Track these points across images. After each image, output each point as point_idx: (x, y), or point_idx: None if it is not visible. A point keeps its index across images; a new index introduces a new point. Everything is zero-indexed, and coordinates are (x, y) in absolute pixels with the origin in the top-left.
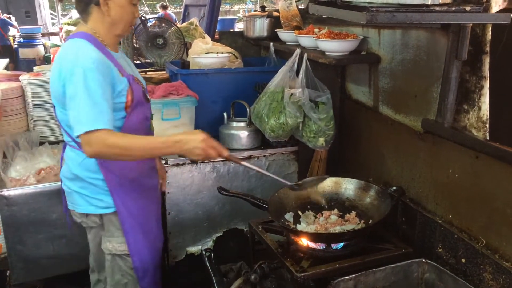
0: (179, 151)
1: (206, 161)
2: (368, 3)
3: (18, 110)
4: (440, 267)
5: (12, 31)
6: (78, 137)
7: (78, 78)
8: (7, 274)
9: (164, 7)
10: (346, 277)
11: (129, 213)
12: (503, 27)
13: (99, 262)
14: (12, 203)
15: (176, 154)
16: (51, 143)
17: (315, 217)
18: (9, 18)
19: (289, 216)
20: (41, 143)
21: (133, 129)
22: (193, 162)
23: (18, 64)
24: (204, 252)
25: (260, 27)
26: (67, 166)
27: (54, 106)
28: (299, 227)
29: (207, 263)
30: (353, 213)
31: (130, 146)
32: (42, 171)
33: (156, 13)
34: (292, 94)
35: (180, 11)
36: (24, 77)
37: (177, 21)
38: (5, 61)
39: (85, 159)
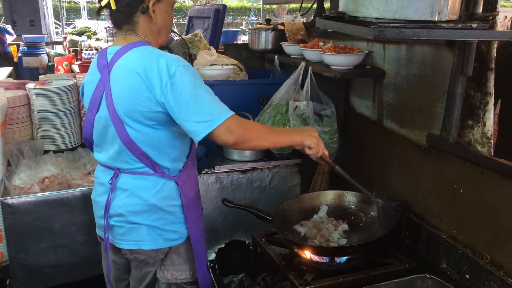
0: (302, 136)
1: (313, 156)
2: (376, 18)
3: (23, 119)
4: (444, 282)
5: (9, 38)
6: (210, 133)
7: (182, 77)
8: (7, 282)
9: None
10: None
11: (199, 239)
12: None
13: None
14: (15, 211)
15: (296, 142)
16: (55, 151)
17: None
18: (8, 26)
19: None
20: (46, 152)
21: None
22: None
23: (21, 73)
24: (208, 264)
25: (265, 40)
26: (135, 197)
27: (122, 124)
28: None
29: (211, 275)
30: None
31: (264, 129)
32: (46, 180)
33: None
34: (296, 107)
35: (184, 22)
36: (30, 85)
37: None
38: (9, 69)
39: (164, 184)
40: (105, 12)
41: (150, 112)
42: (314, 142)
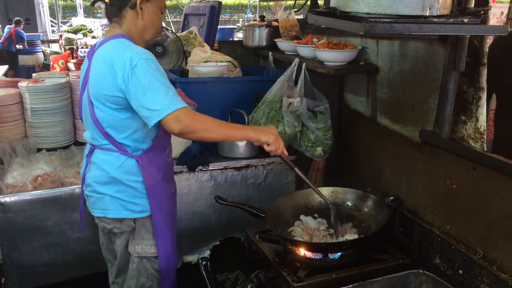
0: (258, 133)
1: (272, 153)
2: (367, 13)
3: (16, 117)
4: (438, 278)
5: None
6: (160, 121)
7: (143, 68)
8: (1, 281)
9: None
10: None
11: (161, 215)
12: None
13: (122, 266)
14: (8, 209)
15: (250, 138)
16: (48, 150)
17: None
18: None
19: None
20: (39, 150)
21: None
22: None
23: (18, 71)
24: (200, 261)
25: (259, 37)
26: (101, 170)
27: (92, 105)
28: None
29: (203, 272)
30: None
31: (216, 122)
32: (39, 178)
33: None
34: (290, 104)
35: (180, 20)
36: (23, 83)
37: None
38: (4, 67)
39: (125, 161)
40: (102, 5)
41: (113, 96)
42: (272, 139)
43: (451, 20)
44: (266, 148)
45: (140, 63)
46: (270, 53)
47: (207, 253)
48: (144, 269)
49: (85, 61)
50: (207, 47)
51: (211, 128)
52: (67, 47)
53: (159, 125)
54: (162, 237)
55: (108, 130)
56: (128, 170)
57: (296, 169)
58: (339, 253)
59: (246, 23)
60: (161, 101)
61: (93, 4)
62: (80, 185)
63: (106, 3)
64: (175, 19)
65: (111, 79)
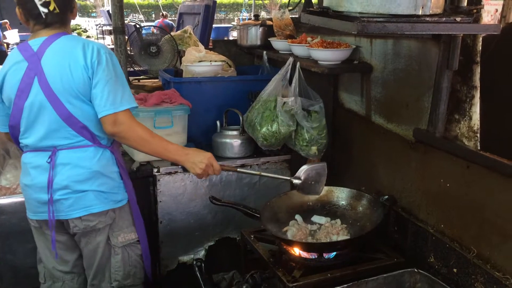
0: (184, 161)
1: (203, 178)
2: (360, 13)
3: None
4: (432, 277)
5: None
6: (105, 116)
7: (108, 62)
8: None
9: (163, 16)
10: (338, 287)
11: (134, 200)
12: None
13: (102, 264)
14: (1, 212)
15: (179, 163)
16: None
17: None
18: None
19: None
20: None
21: None
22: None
23: None
24: (194, 263)
25: (254, 36)
26: (79, 168)
27: (59, 103)
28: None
29: (197, 273)
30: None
31: (151, 139)
32: None
33: (152, 20)
34: (285, 103)
35: (175, 19)
36: None
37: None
38: None
39: (102, 153)
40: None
41: (85, 89)
42: (196, 172)
43: (444, 19)
44: (196, 172)
45: (106, 56)
46: (265, 52)
47: (202, 253)
48: (128, 258)
49: (13, 63)
50: (201, 47)
51: (143, 142)
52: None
53: None
54: (137, 221)
55: (86, 123)
56: (106, 162)
57: (238, 169)
58: (334, 253)
59: (241, 22)
60: (115, 96)
61: (46, 18)
62: None
63: (50, 11)
64: (171, 18)
65: (80, 70)
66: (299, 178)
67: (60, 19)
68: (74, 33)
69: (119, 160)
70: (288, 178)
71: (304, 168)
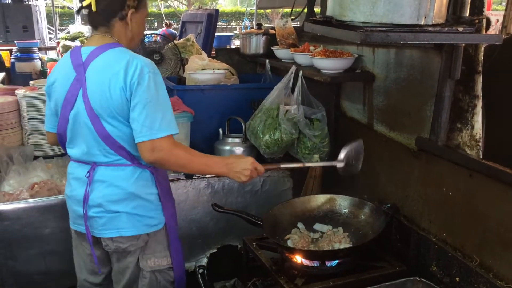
0: (228, 172)
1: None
2: (363, 22)
3: (13, 124)
4: (435, 286)
5: None
6: (141, 142)
7: (150, 82)
8: None
9: (167, 25)
10: None
11: (174, 226)
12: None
13: (129, 284)
14: (4, 218)
15: (223, 175)
16: (45, 157)
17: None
18: None
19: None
20: (35, 158)
21: None
22: (188, 177)
23: (14, 78)
24: (197, 269)
25: (256, 44)
26: (114, 187)
27: (98, 120)
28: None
29: (200, 280)
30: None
31: (192, 159)
32: (36, 186)
33: (154, 29)
34: (287, 111)
35: (178, 27)
36: (20, 91)
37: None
38: (1, 75)
39: (140, 173)
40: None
41: (123, 110)
42: (242, 180)
43: (446, 29)
44: (242, 180)
45: (149, 75)
46: (267, 60)
47: (204, 261)
48: (155, 283)
49: (62, 71)
50: (204, 55)
51: (184, 165)
52: (64, 54)
53: None
54: (175, 247)
55: (124, 144)
56: (144, 183)
57: (281, 166)
58: (336, 261)
59: (243, 30)
60: (154, 121)
61: (78, 12)
62: None
63: (92, 11)
64: (173, 26)
65: (119, 90)
66: (341, 161)
67: (101, 22)
68: (77, 41)
69: (160, 182)
70: (331, 163)
71: (343, 150)
